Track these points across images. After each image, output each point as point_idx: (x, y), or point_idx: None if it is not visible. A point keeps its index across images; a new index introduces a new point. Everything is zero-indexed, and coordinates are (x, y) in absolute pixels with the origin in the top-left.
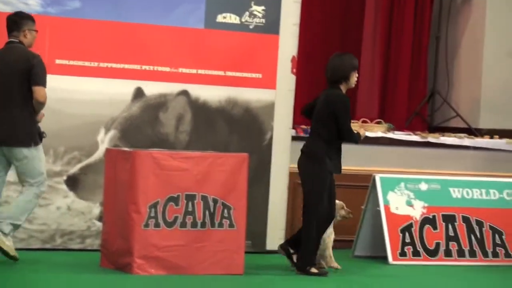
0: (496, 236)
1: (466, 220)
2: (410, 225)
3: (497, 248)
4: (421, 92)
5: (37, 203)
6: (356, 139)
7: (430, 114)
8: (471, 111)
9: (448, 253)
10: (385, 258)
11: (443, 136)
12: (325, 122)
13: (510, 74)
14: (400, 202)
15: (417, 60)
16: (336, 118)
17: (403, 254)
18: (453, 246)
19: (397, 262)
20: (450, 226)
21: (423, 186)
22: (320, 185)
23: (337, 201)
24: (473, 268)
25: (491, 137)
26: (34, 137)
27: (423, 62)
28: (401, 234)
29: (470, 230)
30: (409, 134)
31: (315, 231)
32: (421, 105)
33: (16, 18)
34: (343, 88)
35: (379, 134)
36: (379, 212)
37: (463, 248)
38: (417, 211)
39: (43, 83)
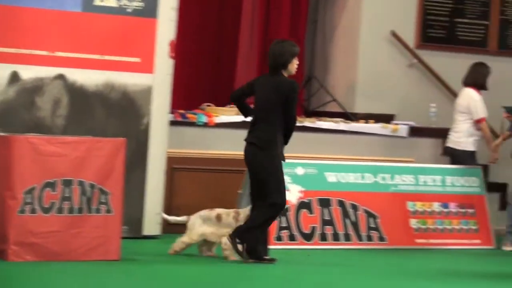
0: (371, 219)
1: (341, 204)
2: (286, 210)
3: (371, 232)
4: (299, 77)
5: None
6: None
7: (307, 99)
8: (347, 95)
9: (323, 237)
10: None
11: (319, 120)
12: (276, 109)
13: (385, 59)
14: None
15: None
16: (288, 106)
17: (279, 238)
18: (329, 230)
19: (273, 247)
20: (325, 210)
21: (300, 171)
22: (279, 175)
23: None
24: (348, 251)
25: (367, 122)
26: None
27: (300, 47)
28: (278, 219)
29: (345, 214)
30: None
31: (269, 221)
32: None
33: None
34: (284, 74)
35: None
36: None
37: (338, 232)
38: (293, 195)
39: None
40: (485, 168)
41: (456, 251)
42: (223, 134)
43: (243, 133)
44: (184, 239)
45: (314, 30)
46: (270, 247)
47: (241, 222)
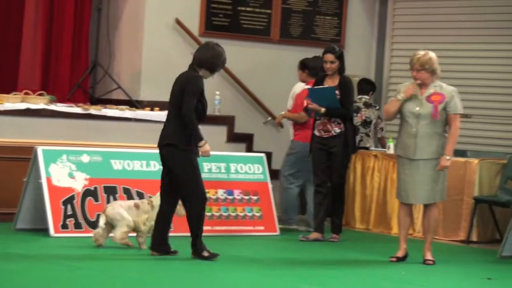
0: None
1: (127, 191)
2: (72, 197)
3: None
4: (83, 64)
5: None
6: (194, 127)
7: (92, 86)
8: (132, 83)
9: None
10: (47, 230)
11: (105, 108)
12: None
13: (170, 47)
14: (62, 174)
15: (79, 32)
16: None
17: (65, 226)
18: None
19: (59, 235)
20: (111, 198)
21: (85, 158)
22: (195, 172)
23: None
24: (131, 238)
25: (152, 109)
26: None
27: (85, 34)
28: (63, 206)
29: None
30: (71, 106)
31: (202, 216)
32: (83, 77)
33: None
34: (199, 71)
35: (41, 106)
36: (41, 184)
37: None
38: (79, 183)
39: None
40: (269, 156)
41: (241, 238)
42: (7, 121)
43: (28, 121)
44: (124, 229)
45: (98, 18)
46: (56, 235)
47: (156, 208)
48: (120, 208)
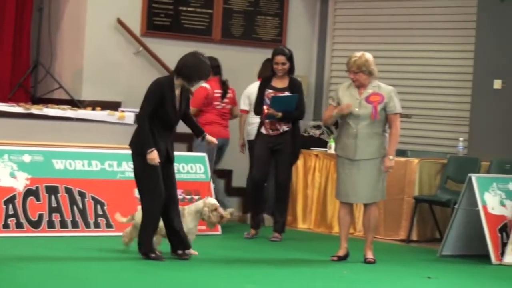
0: (98, 206)
1: (69, 191)
2: (14, 197)
3: (99, 219)
4: (25, 64)
5: None
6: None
7: (34, 86)
8: (74, 82)
9: (51, 224)
10: None
11: (46, 107)
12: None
13: (112, 46)
14: (3, 174)
15: (20, 31)
16: None
17: (6, 226)
18: (56, 217)
19: (1, 235)
20: (53, 197)
21: (27, 158)
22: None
23: (209, 201)
24: (76, 238)
25: (93, 109)
26: None
27: (26, 34)
28: (4, 206)
29: (73, 201)
30: (13, 106)
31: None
32: (25, 76)
33: None
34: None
35: None
36: None
37: (66, 219)
38: (20, 182)
39: None
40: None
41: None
42: None
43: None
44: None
45: (40, 17)
46: None
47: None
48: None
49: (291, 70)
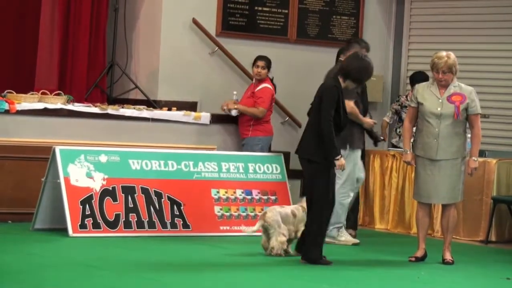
0: (175, 207)
1: (145, 191)
2: (90, 197)
3: (176, 219)
4: (101, 64)
5: None
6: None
7: (110, 86)
8: (150, 83)
9: (127, 225)
10: (65, 230)
11: (122, 108)
12: None
13: (187, 46)
14: (80, 174)
15: (96, 31)
16: None
17: (83, 226)
18: (133, 218)
19: (78, 234)
20: (129, 198)
21: (103, 158)
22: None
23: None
24: (152, 239)
25: (169, 109)
26: None
27: (102, 34)
28: (81, 206)
29: (149, 201)
30: (89, 106)
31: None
32: (101, 77)
33: None
34: None
35: (59, 105)
36: (59, 184)
37: (143, 219)
38: (97, 183)
39: None
40: (287, 156)
41: (259, 238)
42: (25, 121)
43: (46, 121)
44: (281, 239)
45: (115, 18)
46: (75, 235)
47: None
48: (276, 216)
49: None
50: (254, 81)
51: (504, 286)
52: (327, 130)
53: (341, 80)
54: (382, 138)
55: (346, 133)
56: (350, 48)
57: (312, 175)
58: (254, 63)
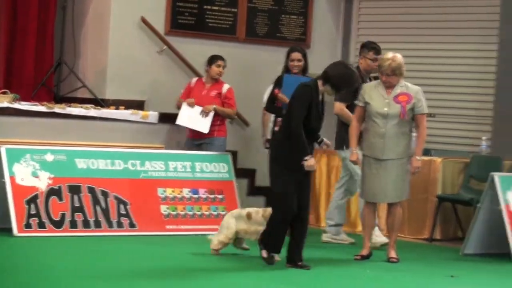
0: (121, 206)
1: (91, 190)
2: (36, 196)
3: (122, 219)
4: (48, 62)
5: None
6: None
7: (57, 84)
8: (98, 81)
9: (73, 224)
10: (10, 230)
11: (69, 106)
12: None
13: (135, 45)
14: (25, 174)
15: (44, 30)
16: None
17: (28, 225)
18: (79, 217)
19: (22, 234)
20: (76, 197)
21: (49, 157)
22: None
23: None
24: (98, 238)
25: (117, 108)
26: None
27: (50, 32)
28: (26, 206)
29: (96, 200)
30: (36, 105)
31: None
32: (48, 75)
33: None
34: None
35: (5, 104)
36: (4, 183)
37: (89, 218)
38: (42, 182)
39: None
40: (234, 154)
41: (205, 237)
42: None
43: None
44: (221, 238)
45: (63, 16)
46: (20, 234)
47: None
48: (230, 218)
49: (305, 69)
50: (206, 80)
51: (448, 283)
52: (298, 130)
53: (320, 83)
54: None
55: (343, 134)
56: (361, 52)
57: (274, 174)
58: (214, 62)
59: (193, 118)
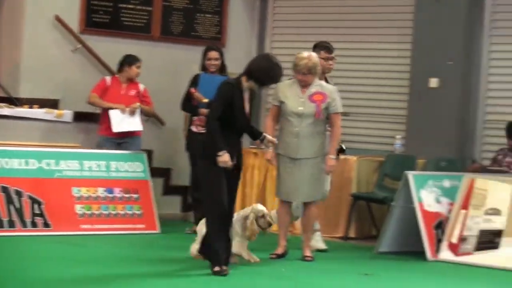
0: (35, 206)
1: (5, 190)
2: None
3: (36, 218)
4: None
5: None
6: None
7: None
8: (11, 80)
9: None
10: None
11: None
12: None
13: (50, 43)
14: None
15: None
16: None
17: None
18: None
19: None
20: None
21: None
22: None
23: (256, 208)
24: (13, 238)
25: (31, 107)
26: None
27: None
28: None
29: (9, 200)
30: None
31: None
32: None
33: None
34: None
35: None
36: None
37: (2, 218)
38: None
39: None
40: (149, 154)
41: (121, 236)
42: None
43: None
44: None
45: None
46: None
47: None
48: (203, 224)
49: (222, 68)
50: (122, 79)
51: (362, 281)
52: (211, 126)
53: (244, 79)
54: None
55: None
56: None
57: (200, 173)
58: (134, 64)
59: (125, 121)
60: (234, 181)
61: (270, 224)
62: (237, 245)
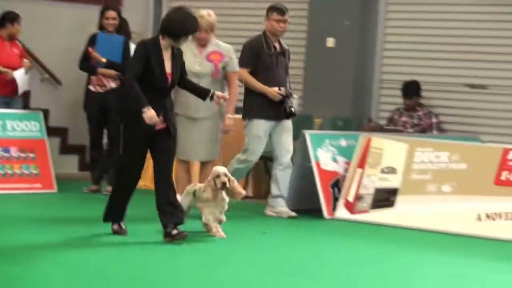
0: None
1: None
2: None
3: None
4: None
5: None
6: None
7: None
8: None
9: None
10: None
11: None
12: None
13: None
14: None
15: None
16: None
17: None
18: None
19: None
20: None
21: None
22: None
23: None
24: None
25: None
26: None
27: None
28: None
29: None
30: None
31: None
32: None
33: None
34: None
35: None
36: None
37: None
38: None
39: None
40: (46, 113)
41: (18, 196)
42: None
43: None
44: None
45: None
46: None
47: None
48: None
49: (120, 27)
50: (5, 37)
51: (260, 239)
52: (129, 85)
53: (161, 37)
54: (293, 110)
55: (247, 102)
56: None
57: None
58: (15, 20)
59: (25, 80)
60: (167, 140)
61: (224, 184)
62: (207, 214)
